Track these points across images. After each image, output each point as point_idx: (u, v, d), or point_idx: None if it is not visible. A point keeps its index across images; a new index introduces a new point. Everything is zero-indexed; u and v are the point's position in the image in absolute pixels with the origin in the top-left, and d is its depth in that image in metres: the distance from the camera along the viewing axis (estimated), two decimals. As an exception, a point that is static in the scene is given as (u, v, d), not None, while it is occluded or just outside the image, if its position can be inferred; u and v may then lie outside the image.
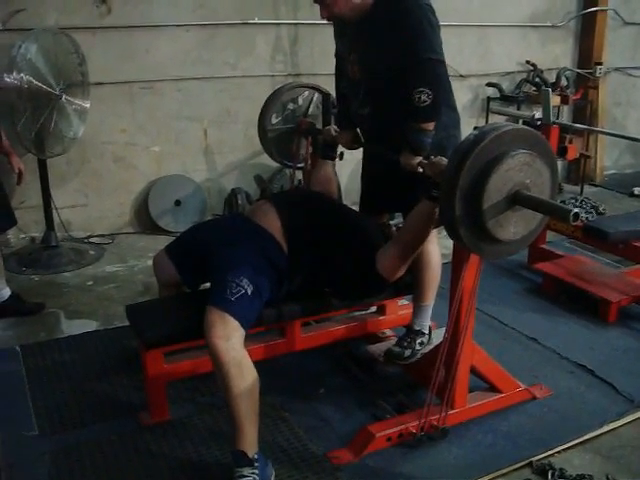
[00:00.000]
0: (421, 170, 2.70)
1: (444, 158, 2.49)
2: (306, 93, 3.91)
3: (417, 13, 2.75)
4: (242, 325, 2.51)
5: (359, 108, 3.08)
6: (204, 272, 2.82)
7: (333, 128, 3.38)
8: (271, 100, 3.83)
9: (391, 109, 2.90)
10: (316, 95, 3.94)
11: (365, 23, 2.88)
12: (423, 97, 2.72)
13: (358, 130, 3.26)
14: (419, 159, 2.76)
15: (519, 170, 2.25)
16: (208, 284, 2.82)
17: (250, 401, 2.41)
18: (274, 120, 3.81)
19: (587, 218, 5.68)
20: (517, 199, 2.26)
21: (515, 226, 2.32)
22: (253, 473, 2.37)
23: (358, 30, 2.93)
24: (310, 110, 3.92)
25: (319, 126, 3.81)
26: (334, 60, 3.28)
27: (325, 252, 2.84)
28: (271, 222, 2.83)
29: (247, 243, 2.76)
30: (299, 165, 3.98)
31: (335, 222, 2.96)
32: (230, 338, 2.44)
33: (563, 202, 6.09)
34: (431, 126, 2.81)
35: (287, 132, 3.83)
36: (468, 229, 2.27)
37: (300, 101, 3.88)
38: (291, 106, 3.86)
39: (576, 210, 2.14)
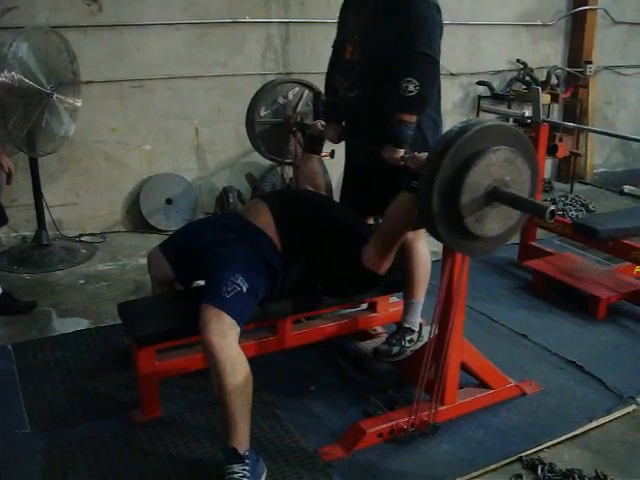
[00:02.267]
0: (403, 163, 2.73)
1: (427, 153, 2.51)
2: (296, 89, 3.91)
3: (422, 7, 2.78)
4: (237, 323, 2.52)
5: (347, 90, 3.07)
6: (198, 270, 2.84)
7: (320, 123, 3.38)
8: (261, 94, 3.82)
9: (378, 95, 2.91)
10: (306, 92, 3.94)
11: (377, 6, 2.89)
12: (410, 87, 2.73)
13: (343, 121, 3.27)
14: (402, 152, 2.78)
15: (500, 166, 2.26)
16: (201, 282, 2.82)
17: (243, 398, 2.43)
18: (263, 113, 3.80)
19: (577, 216, 5.74)
20: (496, 195, 2.27)
21: (493, 222, 2.33)
22: (244, 469, 2.37)
23: (369, 12, 2.94)
24: (299, 106, 3.92)
25: (309, 122, 3.81)
26: (325, 59, 3.27)
27: (317, 250, 2.86)
28: (265, 221, 2.85)
29: (242, 242, 2.77)
30: (288, 160, 3.98)
31: (326, 220, 2.97)
32: (226, 336, 2.46)
33: (553, 200, 6.14)
34: (413, 119, 2.81)
35: (275, 126, 3.82)
36: (445, 222, 2.28)
37: (290, 96, 3.88)
38: (281, 101, 3.86)
39: (553, 207, 2.16)
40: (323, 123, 3.36)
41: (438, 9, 2.84)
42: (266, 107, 3.81)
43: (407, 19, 2.77)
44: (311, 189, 3.35)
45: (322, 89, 3.61)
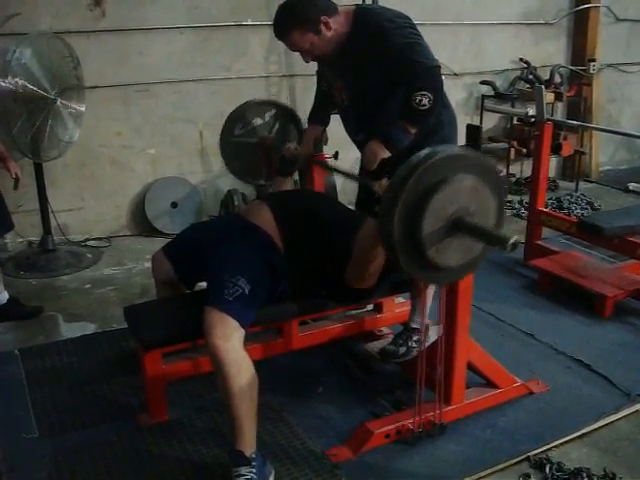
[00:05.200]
0: (375, 165, 2.78)
1: None
2: (274, 111, 3.87)
3: (398, 32, 2.78)
4: (241, 325, 2.52)
5: (352, 134, 3.14)
6: (201, 271, 2.83)
7: (293, 145, 3.40)
8: (237, 113, 3.78)
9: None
10: (281, 115, 3.89)
11: (347, 51, 2.91)
12: (424, 100, 2.73)
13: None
14: (387, 153, 2.79)
15: (464, 195, 2.19)
16: (204, 283, 2.83)
17: (249, 401, 2.42)
18: (237, 132, 3.77)
19: (582, 214, 5.73)
20: (458, 224, 2.19)
21: (455, 253, 2.25)
22: (251, 472, 2.37)
23: (341, 59, 2.96)
24: (275, 128, 3.87)
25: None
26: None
27: (319, 250, 2.85)
28: (267, 221, 2.84)
29: (243, 242, 2.77)
30: (261, 182, 3.96)
31: (327, 220, 2.96)
32: (230, 339, 2.46)
33: (558, 198, 6.13)
34: (414, 130, 2.83)
35: (248, 145, 3.76)
36: (405, 250, 2.20)
37: (267, 118, 3.85)
38: (257, 122, 3.82)
39: (514, 239, 2.09)
40: (297, 146, 3.38)
41: (411, 24, 2.85)
42: (241, 126, 3.76)
43: (390, 53, 2.77)
44: None
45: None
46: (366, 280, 2.80)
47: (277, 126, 3.84)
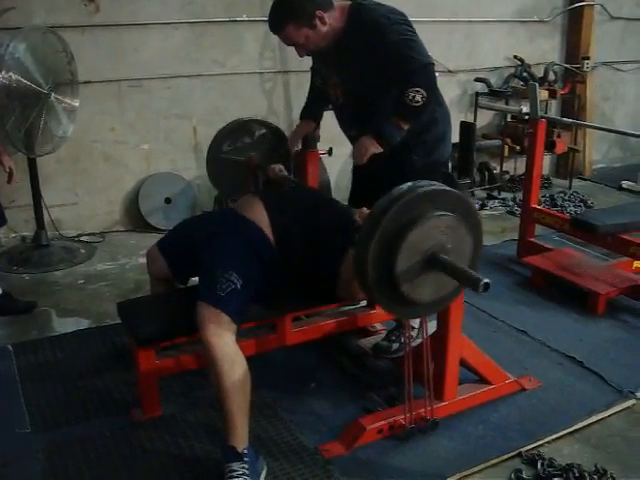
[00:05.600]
0: (367, 159, 2.83)
1: None
2: (263, 130, 3.87)
3: (394, 28, 2.79)
4: (234, 320, 2.52)
5: (346, 130, 3.15)
6: (194, 266, 2.83)
7: (278, 167, 3.42)
8: (227, 130, 3.77)
9: (374, 126, 2.94)
10: (270, 135, 3.88)
11: (342, 47, 2.92)
12: (417, 97, 2.74)
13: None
14: (379, 149, 2.81)
15: (441, 232, 2.22)
16: (197, 278, 2.83)
17: (242, 397, 2.43)
18: (225, 149, 3.75)
19: (575, 211, 5.75)
20: (433, 261, 2.23)
21: (428, 288, 2.29)
22: (243, 467, 2.37)
23: (336, 55, 2.97)
24: (263, 148, 3.86)
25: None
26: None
27: (311, 245, 2.85)
28: (258, 215, 2.83)
29: (235, 236, 2.77)
30: None
31: (319, 215, 2.96)
32: (223, 334, 2.46)
33: (552, 196, 6.15)
34: (407, 126, 2.84)
35: (235, 163, 3.75)
36: (380, 287, 2.24)
37: (256, 137, 3.84)
38: (246, 139, 3.81)
39: (486, 280, 2.12)
40: (281, 167, 3.39)
41: (405, 20, 2.86)
42: (229, 144, 3.75)
43: (386, 49, 2.78)
44: None
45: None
46: (356, 297, 2.89)
47: (265, 146, 3.83)
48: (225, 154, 3.70)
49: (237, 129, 3.76)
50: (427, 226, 2.19)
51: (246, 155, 3.69)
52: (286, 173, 3.45)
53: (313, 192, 3.38)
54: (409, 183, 2.24)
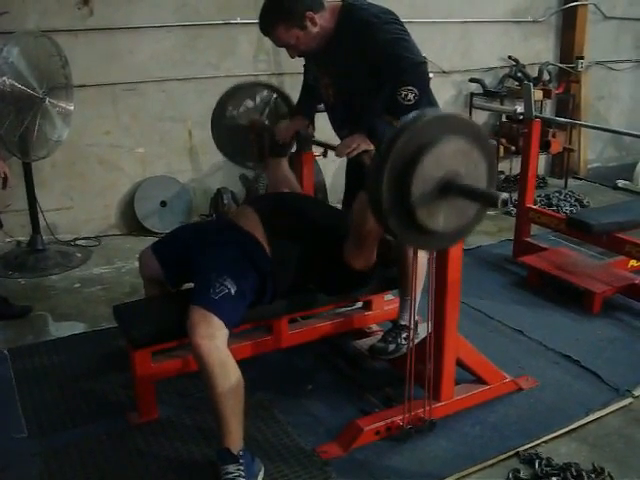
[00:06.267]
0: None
1: None
2: (265, 93, 3.84)
3: (385, 27, 2.78)
4: (225, 325, 2.52)
5: (338, 129, 3.16)
6: (188, 273, 2.84)
7: (285, 124, 3.40)
8: (228, 95, 3.74)
9: (365, 126, 2.93)
10: (274, 96, 3.86)
11: (332, 48, 2.91)
12: (410, 95, 2.74)
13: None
14: (369, 146, 2.81)
15: (453, 157, 2.16)
16: (191, 284, 2.83)
17: (234, 399, 2.43)
18: (228, 114, 3.73)
19: (571, 211, 5.75)
20: (448, 187, 2.16)
21: (447, 216, 2.21)
22: (238, 469, 2.37)
23: (327, 55, 2.97)
24: (267, 110, 3.83)
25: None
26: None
27: (306, 252, 2.87)
28: (254, 226, 2.86)
29: (231, 245, 2.79)
30: (249, 164, 3.91)
31: (312, 222, 2.98)
32: (214, 338, 2.46)
33: (547, 196, 6.15)
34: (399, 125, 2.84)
35: (239, 128, 3.72)
36: (397, 216, 2.16)
37: (258, 100, 3.82)
38: (248, 104, 3.78)
39: (504, 196, 2.09)
40: (287, 125, 3.38)
41: (396, 19, 2.85)
42: (232, 108, 3.72)
43: (377, 48, 2.77)
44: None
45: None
46: (364, 254, 2.83)
47: (268, 108, 3.81)
48: (228, 120, 3.68)
49: (238, 93, 3.74)
50: (436, 154, 2.12)
51: (250, 118, 3.67)
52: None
53: (306, 197, 3.38)
54: (414, 112, 2.21)
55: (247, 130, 3.60)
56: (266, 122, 3.61)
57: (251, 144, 3.58)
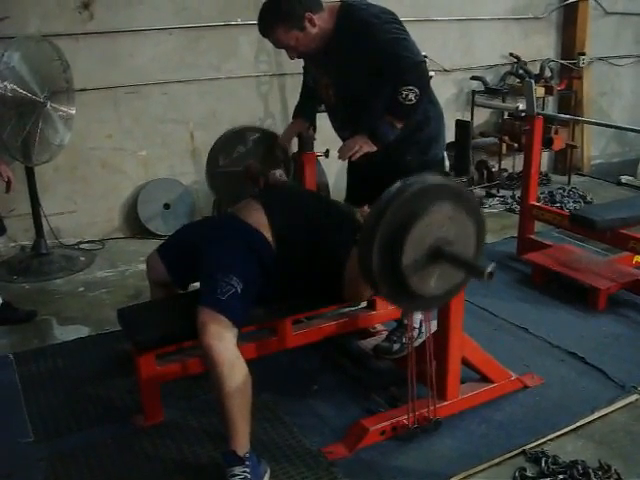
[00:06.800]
0: (359, 154, 2.84)
1: None
2: (256, 135, 3.84)
3: (384, 27, 2.78)
4: (234, 324, 2.52)
5: (339, 130, 3.16)
6: (194, 272, 2.83)
7: (279, 172, 3.41)
8: (219, 143, 3.73)
9: (366, 126, 2.94)
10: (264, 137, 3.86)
11: (332, 48, 2.91)
12: (411, 95, 2.74)
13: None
14: (374, 148, 2.83)
15: (442, 224, 2.19)
16: (198, 284, 2.83)
17: (243, 401, 2.42)
18: (222, 162, 3.73)
19: (575, 207, 5.74)
20: (438, 254, 2.20)
21: (437, 281, 2.25)
22: (244, 472, 2.37)
23: (326, 56, 2.97)
24: (259, 153, 3.83)
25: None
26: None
27: (310, 248, 2.85)
28: (258, 218, 2.83)
29: (235, 240, 2.77)
30: None
31: (319, 220, 2.97)
32: (223, 338, 2.46)
33: (551, 192, 6.14)
34: (400, 125, 2.85)
35: (234, 174, 3.72)
36: (387, 283, 2.21)
37: (250, 144, 3.82)
38: (240, 149, 3.78)
39: (490, 270, 2.12)
40: (281, 172, 3.39)
41: (395, 19, 2.85)
42: (225, 156, 3.71)
43: (377, 48, 2.78)
44: None
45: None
46: (363, 296, 2.89)
47: (261, 150, 3.81)
48: (222, 168, 3.68)
49: (229, 139, 3.74)
50: (425, 222, 2.16)
51: (243, 164, 3.67)
52: (286, 178, 3.44)
53: (313, 193, 3.37)
54: (398, 183, 2.20)
55: (243, 175, 3.61)
56: (260, 166, 3.62)
57: (247, 189, 3.60)
